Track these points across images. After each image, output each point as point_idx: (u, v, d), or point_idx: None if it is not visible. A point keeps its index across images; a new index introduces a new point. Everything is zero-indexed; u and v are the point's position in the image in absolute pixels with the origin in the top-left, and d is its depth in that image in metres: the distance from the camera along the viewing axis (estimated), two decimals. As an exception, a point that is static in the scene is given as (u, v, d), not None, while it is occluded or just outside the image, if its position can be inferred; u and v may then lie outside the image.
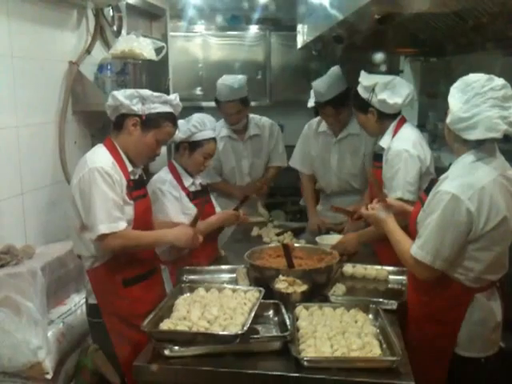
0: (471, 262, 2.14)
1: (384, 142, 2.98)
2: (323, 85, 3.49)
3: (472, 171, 2.11)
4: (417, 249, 2.16)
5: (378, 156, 3.10)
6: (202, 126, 3.06)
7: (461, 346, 2.25)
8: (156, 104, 2.54)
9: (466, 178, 2.09)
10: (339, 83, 3.49)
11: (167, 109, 2.58)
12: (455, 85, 2.15)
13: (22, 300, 2.44)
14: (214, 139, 3.15)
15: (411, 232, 2.35)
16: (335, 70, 3.56)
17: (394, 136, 2.95)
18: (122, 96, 2.50)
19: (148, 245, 2.59)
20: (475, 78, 2.11)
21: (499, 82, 2.08)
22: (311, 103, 3.67)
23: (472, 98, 2.06)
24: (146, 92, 2.54)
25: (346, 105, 3.49)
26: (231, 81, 3.84)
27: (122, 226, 2.40)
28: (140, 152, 2.57)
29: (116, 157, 2.50)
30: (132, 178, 2.54)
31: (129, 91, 2.53)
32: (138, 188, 2.58)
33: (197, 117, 3.12)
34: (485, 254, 2.12)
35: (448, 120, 2.13)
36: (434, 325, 2.27)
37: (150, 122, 2.53)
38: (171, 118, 2.62)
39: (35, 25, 3.04)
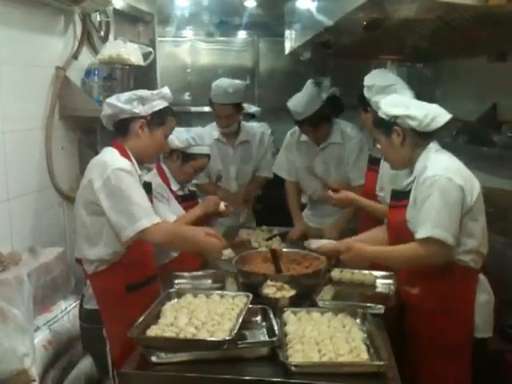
0: (466, 237, 2.29)
1: None
2: (299, 104, 3.50)
3: (441, 158, 2.35)
4: (431, 229, 2.21)
5: (374, 159, 3.12)
6: (200, 140, 3.12)
7: (477, 329, 2.35)
8: (156, 101, 2.56)
9: (442, 163, 2.31)
10: (314, 101, 3.50)
11: (165, 103, 2.61)
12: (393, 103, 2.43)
13: (9, 307, 2.42)
14: (208, 155, 3.20)
15: (392, 237, 2.46)
16: (309, 87, 3.56)
17: None
18: (120, 102, 2.50)
19: (189, 240, 2.50)
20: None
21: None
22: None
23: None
24: (144, 92, 2.55)
25: (324, 120, 3.53)
26: (227, 84, 3.84)
27: (158, 218, 2.41)
28: (152, 151, 2.62)
29: (128, 159, 2.50)
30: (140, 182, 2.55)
31: (124, 95, 2.52)
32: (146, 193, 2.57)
33: (197, 130, 3.19)
34: (475, 225, 2.30)
35: (415, 124, 2.32)
36: (447, 317, 2.33)
37: (155, 120, 2.56)
38: (171, 112, 2.65)
39: (21, 30, 3.03)
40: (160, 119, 2.58)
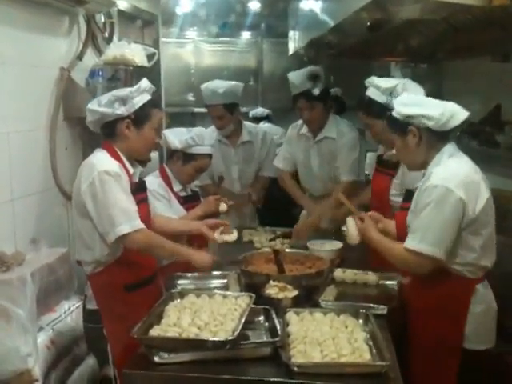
0: (465, 250, 2.21)
1: None
2: (298, 77, 3.54)
3: (450, 164, 2.23)
4: (419, 243, 2.18)
5: (383, 161, 3.09)
6: (201, 140, 3.10)
7: (469, 340, 2.29)
8: (137, 98, 2.51)
9: (449, 170, 2.21)
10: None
11: (147, 97, 2.56)
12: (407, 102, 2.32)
13: (12, 307, 2.43)
14: (209, 155, 3.18)
15: (400, 240, 2.38)
16: (313, 67, 3.60)
17: None
18: (100, 106, 2.47)
19: (168, 249, 2.54)
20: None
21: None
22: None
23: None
24: (123, 91, 2.51)
25: (320, 101, 3.54)
26: (216, 85, 3.85)
27: (142, 224, 2.40)
28: (143, 149, 2.58)
29: (118, 160, 2.48)
30: (134, 180, 2.54)
31: (104, 98, 2.49)
32: (139, 191, 2.58)
33: (197, 130, 3.16)
34: (475, 239, 2.21)
35: (431, 123, 2.21)
36: (440, 319, 2.29)
37: (140, 117, 2.51)
38: (155, 103, 2.61)
39: (26, 31, 3.03)
40: (145, 115, 2.53)
